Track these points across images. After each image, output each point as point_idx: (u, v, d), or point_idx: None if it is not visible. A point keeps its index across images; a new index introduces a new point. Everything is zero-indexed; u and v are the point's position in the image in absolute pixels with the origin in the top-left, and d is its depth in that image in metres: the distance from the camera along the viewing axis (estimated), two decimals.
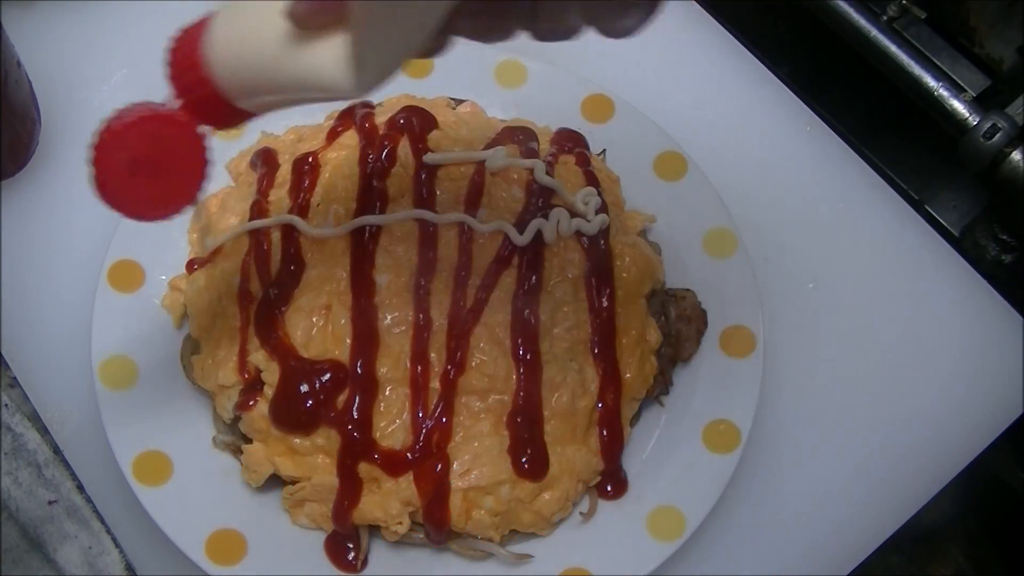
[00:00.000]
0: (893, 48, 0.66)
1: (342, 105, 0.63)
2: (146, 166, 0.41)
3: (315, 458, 0.53)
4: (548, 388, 0.54)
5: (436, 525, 0.52)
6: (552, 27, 0.39)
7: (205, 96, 0.40)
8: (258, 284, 0.56)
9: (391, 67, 0.37)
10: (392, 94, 0.64)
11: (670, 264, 0.61)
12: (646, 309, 0.58)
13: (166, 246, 0.60)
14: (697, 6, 0.74)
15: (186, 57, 0.40)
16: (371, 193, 0.57)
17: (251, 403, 0.54)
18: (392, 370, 0.53)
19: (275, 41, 0.37)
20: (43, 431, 0.57)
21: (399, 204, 0.57)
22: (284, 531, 0.54)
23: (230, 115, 0.41)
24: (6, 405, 0.58)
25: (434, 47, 0.40)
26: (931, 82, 0.65)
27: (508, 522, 0.54)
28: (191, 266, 0.59)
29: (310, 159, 0.59)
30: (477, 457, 0.53)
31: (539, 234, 0.56)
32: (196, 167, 0.42)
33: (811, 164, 0.68)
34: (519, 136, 0.61)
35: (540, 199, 0.57)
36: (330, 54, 0.36)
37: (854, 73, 0.70)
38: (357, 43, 0.35)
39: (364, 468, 0.53)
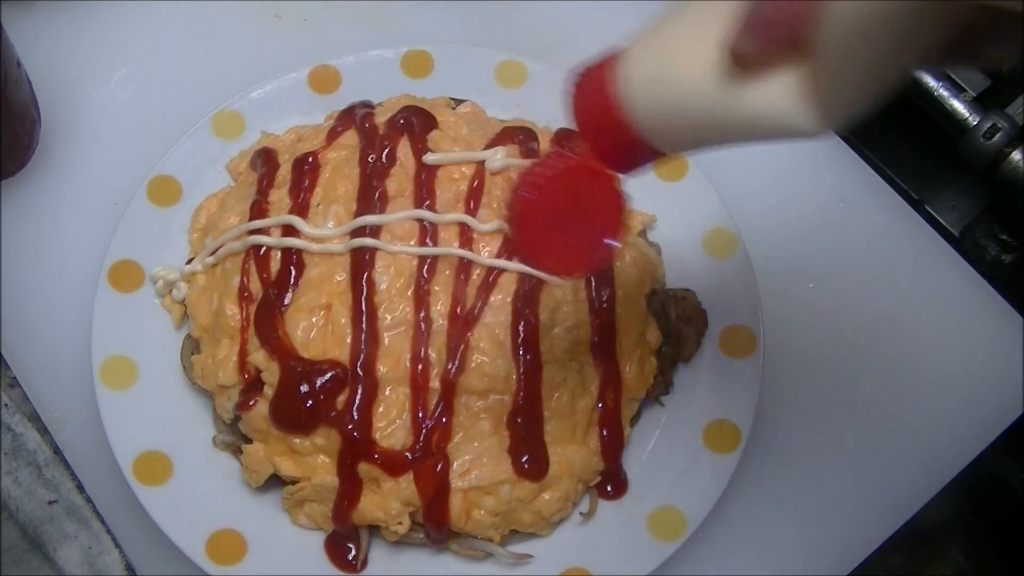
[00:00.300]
0: None
1: (342, 105, 0.63)
2: (569, 221, 0.39)
3: (315, 458, 0.53)
4: (548, 388, 0.54)
5: (436, 525, 0.52)
6: (994, 59, 0.33)
7: (621, 140, 0.36)
8: (258, 284, 0.56)
9: (869, 101, 0.31)
10: (392, 94, 0.64)
11: (670, 264, 0.61)
12: (646, 309, 0.58)
13: (166, 246, 0.60)
14: None
15: (597, 100, 0.36)
16: (371, 193, 0.57)
17: (251, 403, 0.54)
18: (392, 370, 0.53)
19: (710, 81, 0.33)
20: (43, 431, 0.57)
21: (399, 204, 0.57)
22: (284, 531, 0.54)
23: (649, 158, 0.37)
24: (6, 405, 0.58)
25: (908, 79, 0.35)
26: (931, 82, 0.65)
27: (508, 522, 0.54)
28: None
29: (310, 159, 0.59)
30: (477, 457, 0.53)
31: None
32: (614, 218, 0.40)
33: (811, 164, 0.68)
34: (519, 136, 0.61)
35: None
36: (785, 92, 0.31)
37: None
38: (826, 77, 0.30)
39: (364, 468, 0.53)
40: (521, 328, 0.54)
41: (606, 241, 0.40)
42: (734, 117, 0.33)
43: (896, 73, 0.30)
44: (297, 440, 0.53)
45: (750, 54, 0.31)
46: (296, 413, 0.53)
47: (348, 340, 0.53)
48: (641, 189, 0.62)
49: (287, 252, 0.56)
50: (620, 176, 0.39)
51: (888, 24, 0.28)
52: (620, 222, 0.40)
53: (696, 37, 0.33)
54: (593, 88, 0.36)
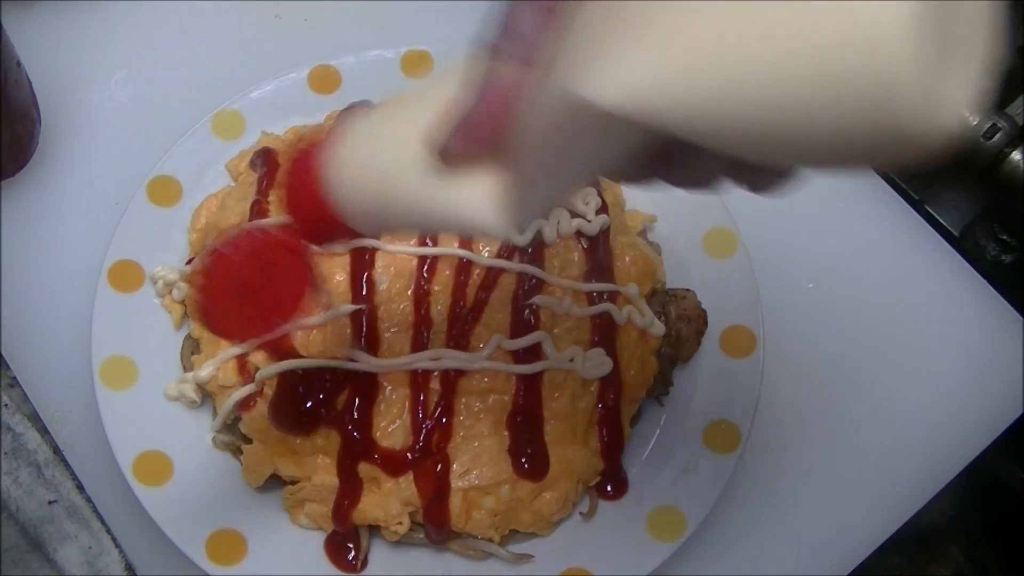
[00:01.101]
0: None
1: (342, 105, 0.63)
2: (254, 292, 0.40)
3: (315, 458, 0.53)
4: (548, 388, 0.54)
5: (436, 525, 0.52)
6: (689, 180, 0.33)
7: (323, 219, 0.37)
8: None
9: (545, 208, 0.34)
10: (392, 94, 0.64)
11: (670, 264, 0.61)
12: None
13: (166, 246, 0.60)
14: None
15: (306, 178, 0.37)
16: None
17: (251, 403, 0.54)
18: (392, 370, 0.53)
19: (410, 170, 0.34)
20: (43, 431, 0.57)
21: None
22: (284, 531, 0.54)
23: (342, 235, 0.39)
24: (6, 405, 0.58)
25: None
26: None
27: (508, 522, 0.54)
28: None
29: None
30: (477, 457, 0.53)
31: (539, 234, 0.56)
32: (300, 287, 0.41)
33: None
34: None
35: None
36: (478, 193, 0.33)
37: None
38: (513, 185, 0.32)
39: (364, 468, 0.53)
40: (521, 328, 0.54)
41: (290, 310, 0.41)
42: (429, 211, 0.34)
43: (581, 183, 0.32)
44: (297, 440, 0.53)
45: (449, 154, 0.32)
46: (296, 413, 0.53)
47: (348, 340, 0.53)
48: (641, 189, 0.63)
49: None
50: (314, 249, 0.40)
51: (569, 141, 0.28)
52: (304, 296, 0.41)
53: (404, 126, 0.34)
54: (306, 166, 0.37)
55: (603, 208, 0.59)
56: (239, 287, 0.40)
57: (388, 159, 0.35)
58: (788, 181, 0.32)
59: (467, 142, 0.32)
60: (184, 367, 0.57)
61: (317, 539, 0.54)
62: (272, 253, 0.40)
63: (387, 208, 0.35)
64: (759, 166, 0.29)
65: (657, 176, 0.33)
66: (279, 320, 0.41)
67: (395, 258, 0.55)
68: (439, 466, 0.52)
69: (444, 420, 0.53)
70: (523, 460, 0.53)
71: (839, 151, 0.25)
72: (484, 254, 0.55)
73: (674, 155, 0.30)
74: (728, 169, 0.31)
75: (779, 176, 0.31)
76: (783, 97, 0.23)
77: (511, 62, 0.30)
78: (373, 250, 0.55)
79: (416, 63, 0.66)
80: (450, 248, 0.55)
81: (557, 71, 0.28)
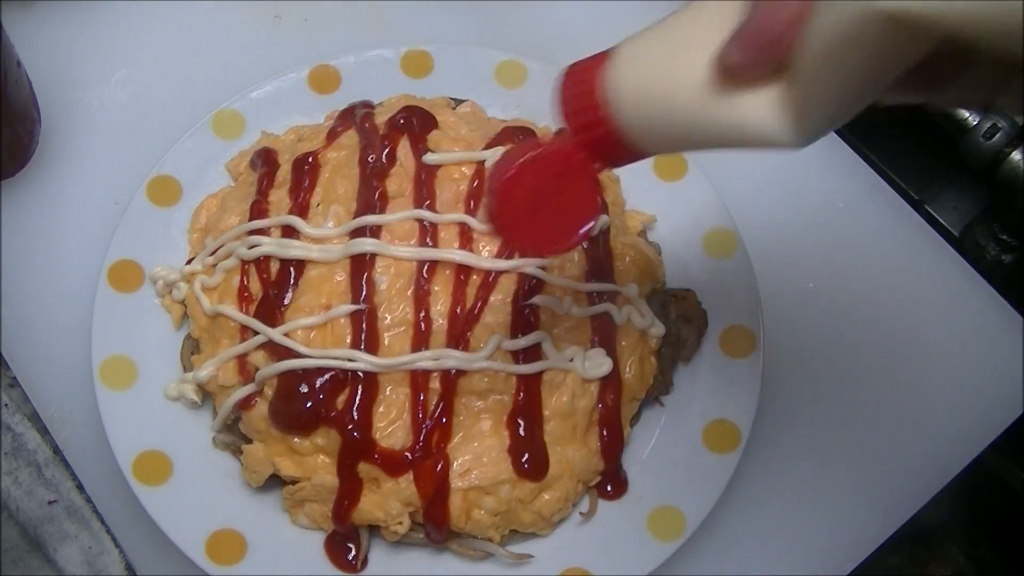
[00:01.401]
0: None
1: (342, 105, 0.63)
2: (544, 202, 0.40)
3: (315, 458, 0.53)
4: (548, 388, 0.54)
5: (436, 525, 0.52)
6: (956, 99, 0.36)
7: (603, 136, 0.38)
8: (258, 284, 0.56)
9: (831, 123, 0.34)
10: (392, 94, 0.64)
11: (670, 264, 0.61)
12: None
13: (166, 246, 0.60)
14: None
15: (583, 93, 0.37)
16: (371, 193, 0.57)
17: (251, 403, 0.54)
18: (392, 370, 0.53)
19: (694, 88, 0.34)
20: (43, 431, 0.57)
21: (399, 204, 0.57)
22: (284, 531, 0.54)
23: (629, 155, 0.39)
24: (6, 405, 0.58)
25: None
26: None
27: (508, 522, 0.54)
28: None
29: (310, 159, 0.59)
30: (477, 457, 0.53)
31: None
32: (589, 203, 0.41)
33: (811, 164, 0.68)
34: (519, 136, 0.61)
35: None
36: (766, 106, 0.33)
37: None
38: (801, 96, 0.32)
39: (364, 468, 0.53)
40: (521, 328, 0.54)
41: (582, 224, 0.41)
42: (717, 126, 0.35)
43: (867, 95, 0.32)
44: (297, 440, 0.53)
45: (737, 68, 0.33)
46: (296, 413, 0.53)
47: (348, 340, 0.53)
48: (641, 189, 0.63)
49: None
50: (600, 165, 0.40)
51: (862, 48, 0.29)
52: (594, 208, 0.42)
53: (686, 45, 0.35)
54: (581, 84, 0.37)
55: (603, 208, 0.59)
56: (533, 197, 0.40)
57: (669, 75, 0.35)
58: None
59: (753, 56, 0.33)
60: (184, 367, 0.57)
61: (317, 539, 0.54)
62: (557, 164, 0.40)
63: (670, 124, 0.36)
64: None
65: (928, 95, 0.35)
66: (572, 230, 0.41)
67: (395, 258, 0.55)
68: (439, 466, 0.52)
69: (444, 420, 0.53)
70: (523, 460, 0.53)
71: None
72: (484, 254, 0.55)
73: (945, 70, 0.33)
74: (993, 86, 0.33)
75: None
76: None
77: None
78: (373, 250, 0.55)
79: (416, 63, 0.66)
80: (450, 251, 0.55)
81: None
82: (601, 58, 0.37)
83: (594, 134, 0.38)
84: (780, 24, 0.32)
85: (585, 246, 0.57)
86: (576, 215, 0.41)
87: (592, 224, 0.41)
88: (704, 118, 0.35)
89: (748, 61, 0.33)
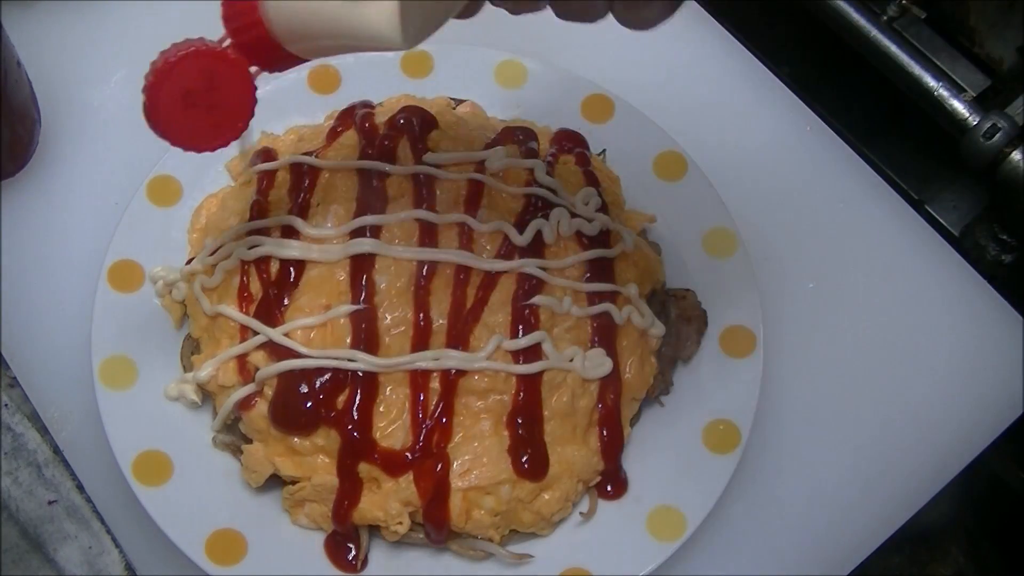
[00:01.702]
0: (893, 48, 0.66)
1: (342, 105, 0.63)
2: (198, 99, 0.43)
3: (315, 458, 0.53)
4: (548, 388, 0.54)
5: (436, 525, 0.52)
6: (575, 5, 0.40)
7: (256, 37, 0.42)
8: (258, 284, 0.56)
9: (434, 23, 0.40)
10: (392, 94, 0.64)
11: (670, 264, 0.61)
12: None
13: (166, 246, 0.60)
14: (697, 6, 0.74)
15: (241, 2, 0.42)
16: (371, 193, 0.57)
17: (251, 403, 0.54)
18: (392, 370, 0.53)
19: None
20: (43, 431, 0.57)
21: (399, 204, 0.57)
22: (284, 531, 0.54)
23: (279, 58, 0.44)
24: (6, 405, 0.58)
25: (471, 9, 0.44)
26: (931, 82, 0.65)
27: (508, 522, 0.54)
28: None
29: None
30: (477, 457, 0.53)
31: (539, 234, 0.56)
32: (245, 103, 0.45)
33: (811, 164, 0.68)
34: (519, 136, 0.61)
35: (540, 199, 0.57)
36: (381, 7, 0.38)
37: (854, 73, 0.70)
38: (405, 5, 0.38)
39: (364, 468, 0.53)
40: (521, 328, 0.54)
41: (236, 124, 0.45)
42: (344, 24, 0.40)
43: (456, 5, 0.40)
44: (297, 440, 0.53)
45: None
46: (296, 413, 0.53)
47: (348, 340, 0.53)
48: (641, 189, 0.63)
49: None
50: (257, 69, 0.44)
51: None
52: (249, 107, 0.45)
53: None
54: None
55: (603, 208, 0.59)
56: (186, 93, 0.43)
57: None
58: (665, 12, 0.38)
59: None
60: (184, 367, 0.57)
61: (317, 539, 0.54)
62: (213, 63, 0.43)
63: (310, 24, 0.41)
64: None
65: (547, 2, 0.40)
66: (226, 129, 0.45)
67: (395, 258, 0.55)
68: (439, 466, 0.52)
69: (444, 420, 0.53)
70: (523, 460, 0.53)
71: None
72: (484, 254, 0.55)
73: None
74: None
75: (659, 10, 0.37)
76: None
77: None
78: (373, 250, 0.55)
79: (416, 63, 0.66)
80: (450, 251, 0.55)
81: None
82: None
83: (248, 36, 0.42)
84: None
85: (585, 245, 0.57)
86: (231, 115, 0.45)
87: (245, 126, 0.45)
88: (339, 18, 0.40)
89: None
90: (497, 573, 0.54)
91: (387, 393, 0.53)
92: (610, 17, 0.42)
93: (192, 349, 0.58)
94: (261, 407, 0.54)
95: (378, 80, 0.65)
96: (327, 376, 0.53)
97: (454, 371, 0.53)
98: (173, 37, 0.70)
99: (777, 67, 0.72)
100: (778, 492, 0.58)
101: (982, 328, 0.63)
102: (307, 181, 0.58)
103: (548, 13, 0.44)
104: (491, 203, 0.57)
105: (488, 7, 0.44)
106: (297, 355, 0.53)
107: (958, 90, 0.65)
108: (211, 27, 0.70)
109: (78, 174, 0.65)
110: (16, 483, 0.56)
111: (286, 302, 0.55)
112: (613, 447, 0.55)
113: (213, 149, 0.46)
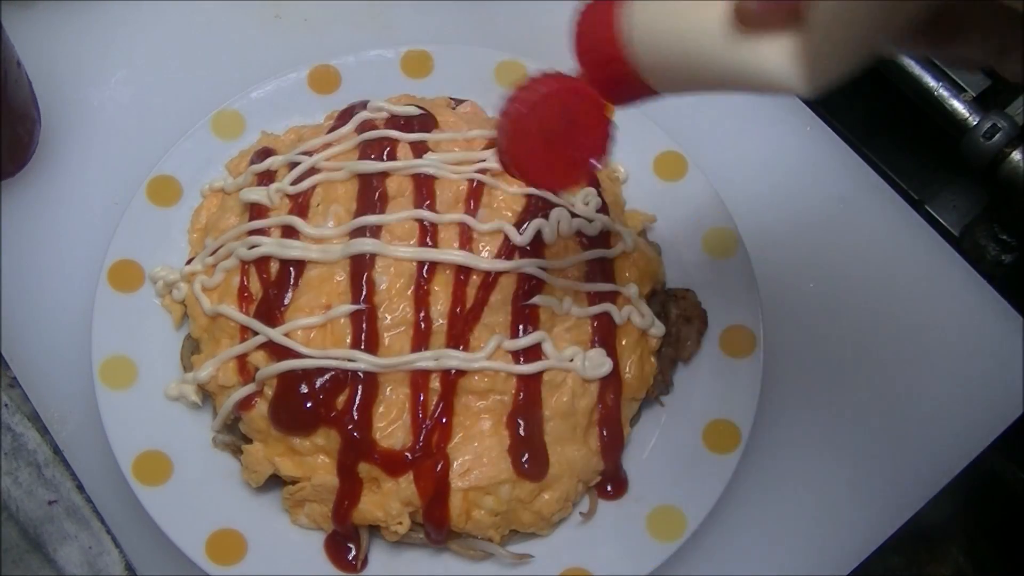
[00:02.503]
0: None
1: (342, 105, 0.63)
2: (556, 137, 0.41)
3: (315, 458, 0.53)
4: (548, 388, 0.54)
5: (436, 525, 0.52)
6: (958, 56, 0.37)
7: (617, 73, 0.39)
8: (258, 284, 0.56)
9: (848, 69, 0.34)
10: (392, 94, 0.64)
11: (670, 264, 0.61)
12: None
13: (166, 246, 0.60)
14: None
15: (599, 32, 0.39)
16: (371, 193, 0.57)
17: (251, 403, 0.54)
18: (392, 370, 0.53)
19: (711, 32, 0.36)
20: (43, 431, 0.57)
21: (399, 204, 0.57)
22: (284, 531, 0.54)
23: (640, 94, 0.40)
24: (6, 405, 0.58)
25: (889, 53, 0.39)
26: (931, 82, 0.65)
27: (508, 522, 0.54)
28: None
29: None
30: (477, 457, 0.53)
31: (539, 234, 0.56)
32: (601, 141, 0.42)
33: (811, 164, 0.68)
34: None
35: (540, 199, 0.57)
36: (780, 52, 0.34)
37: None
38: (815, 44, 0.34)
39: (364, 468, 0.53)
40: (521, 328, 0.54)
41: (591, 161, 0.43)
42: (731, 69, 0.36)
43: (876, 46, 0.33)
44: (297, 440, 0.53)
45: (753, 14, 0.34)
46: (296, 414, 0.53)
47: (348, 340, 0.53)
48: (641, 189, 0.63)
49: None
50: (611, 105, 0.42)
51: (857, 11, 0.31)
52: (605, 144, 0.43)
53: None
54: (598, 20, 0.38)
55: (603, 208, 0.59)
56: (545, 133, 0.41)
57: (687, 16, 0.36)
58: None
59: (768, 3, 0.34)
60: (184, 367, 0.57)
61: (317, 539, 0.54)
62: (570, 100, 0.40)
63: (685, 65, 0.37)
64: None
65: (933, 50, 0.36)
66: (582, 165, 0.43)
67: (395, 258, 0.55)
68: (439, 466, 0.52)
69: (444, 420, 0.53)
70: (523, 460, 0.53)
71: None
72: (484, 254, 0.55)
73: (951, 26, 0.34)
74: (996, 47, 0.34)
75: None
76: None
77: None
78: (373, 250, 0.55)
79: (416, 63, 0.66)
80: (450, 251, 0.55)
81: None
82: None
83: (608, 71, 0.39)
84: None
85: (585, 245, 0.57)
86: (587, 151, 0.42)
87: (600, 162, 0.43)
88: (719, 61, 0.36)
89: (763, 8, 0.34)
90: (497, 573, 0.54)
91: (387, 393, 0.53)
92: None
93: (192, 349, 0.58)
94: (261, 407, 0.54)
95: (378, 80, 0.65)
96: (327, 376, 0.53)
97: (454, 371, 0.53)
98: (173, 37, 0.71)
99: None
100: (778, 492, 0.58)
101: (982, 328, 0.63)
102: (307, 181, 0.58)
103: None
104: (491, 203, 0.57)
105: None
106: (297, 355, 0.53)
107: (958, 90, 0.65)
108: (211, 27, 0.71)
109: (78, 174, 0.65)
110: (16, 483, 0.56)
111: (286, 302, 0.55)
112: (613, 447, 0.55)
113: (568, 188, 0.45)
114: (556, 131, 0.41)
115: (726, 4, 0.35)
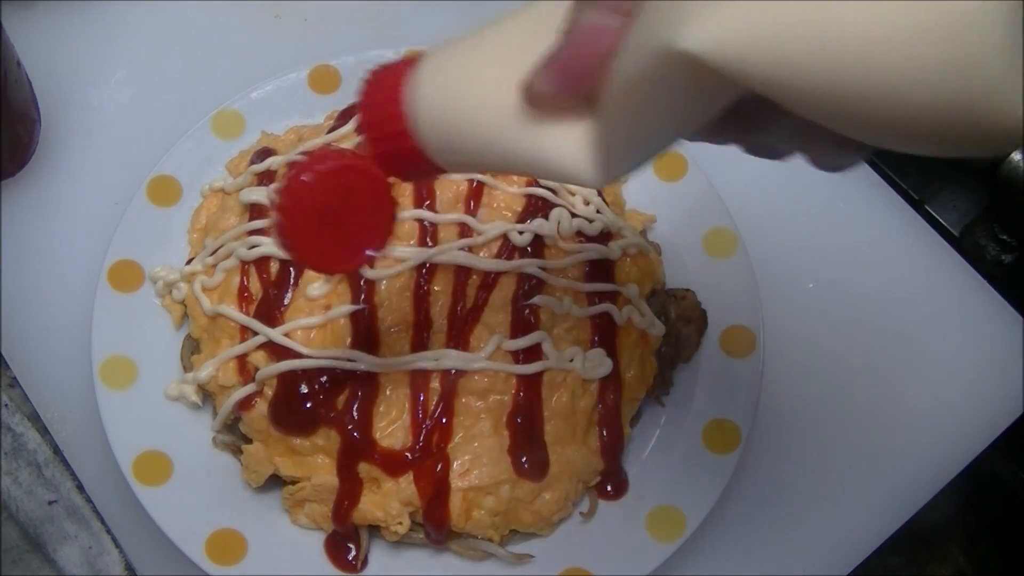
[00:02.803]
0: None
1: (342, 105, 0.63)
2: (334, 217, 0.38)
3: (315, 458, 0.53)
4: (548, 388, 0.54)
5: (436, 525, 0.52)
6: (762, 147, 0.35)
7: (402, 149, 0.36)
8: (258, 284, 0.56)
9: (639, 162, 0.33)
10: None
11: (670, 264, 0.61)
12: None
13: (166, 246, 0.60)
14: None
15: (385, 102, 0.36)
16: None
17: (251, 403, 0.54)
18: (392, 370, 0.53)
19: (500, 110, 0.33)
20: (43, 431, 0.57)
21: (399, 204, 0.57)
22: (284, 531, 0.54)
23: (426, 171, 0.37)
24: (6, 405, 0.58)
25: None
26: None
27: (508, 522, 0.54)
28: None
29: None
30: (477, 457, 0.53)
31: (539, 234, 0.56)
32: (384, 220, 0.39)
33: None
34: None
35: (540, 199, 0.57)
36: (570, 138, 0.32)
37: None
38: (605, 133, 0.32)
39: (364, 468, 0.53)
40: (521, 328, 0.54)
41: (371, 245, 0.40)
42: (517, 152, 0.33)
43: (670, 138, 0.32)
44: (297, 440, 0.53)
45: (543, 97, 0.32)
46: (296, 414, 0.53)
47: (348, 340, 0.53)
48: (641, 189, 0.63)
49: None
50: (394, 181, 0.39)
51: (662, 89, 0.28)
52: (389, 226, 0.40)
53: (495, 62, 0.34)
54: (384, 91, 0.36)
55: (603, 208, 0.59)
56: (322, 212, 0.38)
57: (475, 92, 0.34)
58: (857, 159, 0.33)
59: (559, 86, 0.31)
60: (184, 367, 0.57)
61: (317, 539, 0.54)
62: (352, 178, 0.38)
63: (471, 144, 0.34)
64: (836, 140, 0.29)
65: (734, 139, 0.34)
66: (364, 248, 0.40)
67: (395, 258, 0.55)
68: (439, 466, 0.52)
69: (444, 420, 0.53)
70: (523, 460, 0.53)
71: (920, 131, 0.26)
72: (483, 254, 0.55)
73: (755, 118, 0.31)
74: (803, 138, 0.32)
75: (853, 152, 0.33)
76: (874, 65, 0.24)
77: (604, 8, 0.30)
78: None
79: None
80: (450, 251, 0.55)
81: (650, 19, 0.28)
82: (407, 64, 0.36)
83: (391, 146, 0.36)
84: (589, 57, 0.30)
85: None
86: (367, 234, 0.39)
87: (379, 249, 0.40)
88: (505, 142, 0.33)
89: (554, 91, 0.32)
90: (497, 573, 0.54)
91: (387, 393, 0.53)
92: None
93: (192, 349, 0.58)
94: (261, 407, 0.54)
95: None
96: (327, 376, 0.53)
97: (454, 371, 0.53)
98: (173, 37, 0.71)
99: None
100: (778, 492, 0.58)
101: (982, 328, 0.63)
102: None
103: None
104: (491, 203, 0.57)
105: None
106: (297, 355, 0.53)
107: None
108: (211, 27, 0.71)
109: (78, 174, 0.65)
110: (16, 483, 0.56)
111: (286, 302, 0.55)
112: (613, 447, 0.55)
113: (348, 270, 0.42)
114: (335, 210, 0.38)
115: (515, 80, 0.32)
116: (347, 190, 0.38)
